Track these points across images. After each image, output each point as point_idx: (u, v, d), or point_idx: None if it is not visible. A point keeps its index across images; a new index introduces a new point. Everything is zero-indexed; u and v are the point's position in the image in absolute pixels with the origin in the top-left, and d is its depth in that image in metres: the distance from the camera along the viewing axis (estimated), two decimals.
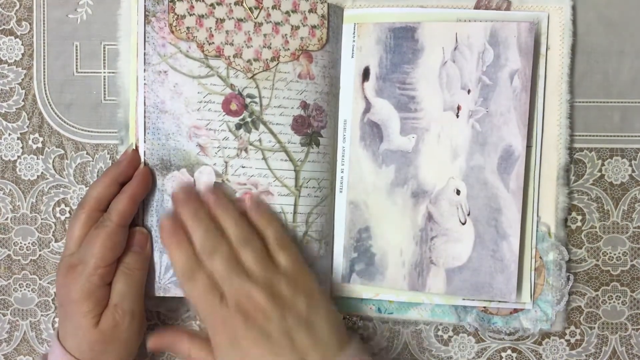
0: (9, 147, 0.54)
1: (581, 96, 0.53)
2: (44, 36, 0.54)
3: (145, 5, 0.50)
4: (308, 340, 0.44)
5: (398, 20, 0.52)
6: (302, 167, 0.52)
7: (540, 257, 0.52)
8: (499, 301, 0.52)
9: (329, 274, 0.53)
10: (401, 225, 0.52)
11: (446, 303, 0.53)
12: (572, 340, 0.54)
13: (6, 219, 0.55)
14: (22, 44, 0.54)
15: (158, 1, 0.50)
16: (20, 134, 0.54)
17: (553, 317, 0.53)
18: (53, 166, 0.54)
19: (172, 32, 0.50)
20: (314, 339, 0.44)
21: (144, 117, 0.50)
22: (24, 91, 0.54)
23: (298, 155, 0.52)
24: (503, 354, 0.55)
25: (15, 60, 0.54)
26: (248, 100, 0.51)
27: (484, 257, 0.51)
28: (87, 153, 0.54)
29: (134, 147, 0.51)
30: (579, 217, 0.54)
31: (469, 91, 0.51)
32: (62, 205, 0.55)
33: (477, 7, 0.52)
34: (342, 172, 0.53)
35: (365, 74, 0.52)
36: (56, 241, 0.55)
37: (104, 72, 0.54)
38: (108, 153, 0.54)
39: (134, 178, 0.49)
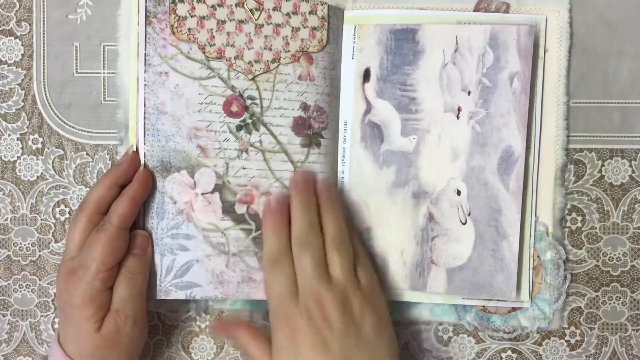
0: (9, 148, 0.55)
1: (581, 97, 0.54)
2: (43, 37, 0.55)
3: (146, 6, 0.50)
4: None
5: (398, 22, 0.53)
6: (302, 168, 0.53)
7: (538, 257, 0.53)
8: (498, 300, 0.53)
9: None
10: (402, 226, 0.53)
11: (446, 302, 0.54)
12: (572, 341, 0.55)
13: (6, 220, 0.56)
14: (21, 45, 0.55)
15: (159, 2, 0.50)
16: (20, 134, 0.55)
17: (551, 315, 0.54)
18: (53, 167, 0.55)
19: (173, 33, 0.51)
20: None
21: (144, 118, 0.51)
22: (23, 92, 0.55)
23: (298, 157, 0.53)
24: (503, 355, 0.55)
25: (15, 61, 0.55)
26: (249, 101, 0.52)
27: (484, 257, 0.52)
28: (87, 154, 0.55)
29: (134, 149, 0.51)
30: (579, 218, 0.55)
31: (469, 93, 0.52)
32: (62, 206, 0.55)
33: (476, 9, 0.53)
34: (342, 172, 0.54)
35: (366, 75, 0.53)
36: (56, 242, 0.56)
37: (104, 73, 0.55)
38: (108, 154, 0.55)
39: (134, 180, 0.50)
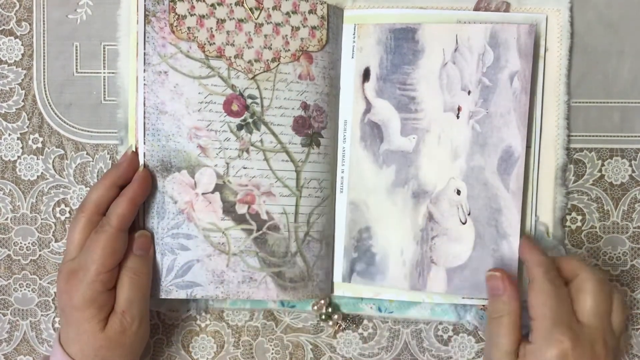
0: (9, 147, 0.56)
1: (581, 96, 0.54)
2: (43, 36, 0.55)
3: (145, 5, 0.50)
4: None
5: (398, 22, 0.53)
6: (303, 167, 0.53)
7: None
8: None
9: (330, 274, 0.55)
10: (402, 225, 0.54)
11: (446, 302, 0.55)
12: None
13: (6, 219, 0.56)
14: (22, 44, 0.55)
15: (158, 1, 0.51)
16: (20, 134, 0.56)
17: None
18: (53, 166, 0.56)
19: (173, 32, 0.51)
20: None
21: (144, 118, 0.51)
22: (24, 91, 0.55)
23: (299, 156, 0.53)
24: None
25: (15, 61, 0.55)
26: (249, 101, 0.52)
27: (484, 257, 0.53)
28: (87, 153, 0.56)
29: (133, 149, 0.51)
30: (579, 217, 0.55)
31: (469, 92, 0.53)
32: (62, 206, 0.56)
33: (476, 8, 0.53)
34: (342, 172, 0.55)
35: (366, 75, 0.54)
36: (56, 241, 0.56)
37: (104, 73, 0.55)
38: (108, 153, 0.55)
39: (134, 181, 0.50)
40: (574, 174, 0.55)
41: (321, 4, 0.53)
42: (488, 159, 0.53)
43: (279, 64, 0.53)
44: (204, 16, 0.52)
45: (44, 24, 0.55)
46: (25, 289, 0.56)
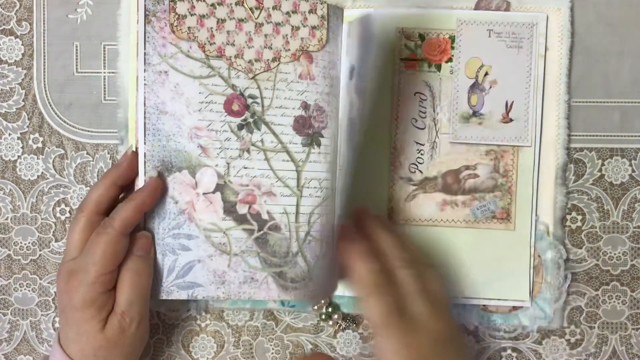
0: (9, 147, 0.56)
1: (581, 96, 0.55)
2: (44, 36, 0.55)
3: (145, 5, 0.50)
4: None
5: (398, 22, 0.54)
6: (303, 167, 0.53)
7: (539, 256, 0.54)
8: (499, 299, 0.55)
9: (330, 274, 0.55)
10: None
11: None
12: (572, 340, 0.56)
13: (6, 219, 0.56)
14: (22, 44, 0.56)
15: (158, 1, 0.51)
16: (21, 134, 0.56)
17: (551, 314, 0.55)
18: (53, 166, 0.56)
19: (173, 32, 0.51)
20: None
21: (144, 118, 0.51)
22: (24, 91, 0.56)
23: (299, 156, 0.53)
24: (503, 354, 0.56)
25: (15, 60, 0.56)
26: (250, 100, 0.53)
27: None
28: (87, 153, 0.56)
29: (134, 149, 0.51)
30: (579, 217, 0.56)
31: None
32: (62, 205, 0.56)
33: (477, 8, 0.54)
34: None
35: (351, 73, 0.54)
36: (56, 241, 0.56)
37: (104, 72, 0.56)
38: (108, 153, 0.56)
39: (145, 188, 0.50)
40: (574, 173, 0.55)
41: (321, 4, 0.53)
42: None
43: (279, 64, 0.53)
44: (204, 16, 0.52)
45: (44, 23, 0.56)
46: (25, 289, 0.57)
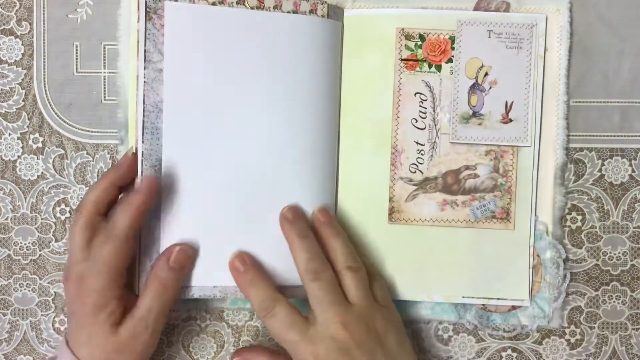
0: (9, 147, 0.56)
1: (581, 96, 0.55)
2: (44, 36, 0.56)
3: (146, 2, 0.50)
4: None
5: (397, 22, 0.54)
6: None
7: (538, 255, 0.55)
8: (498, 299, 0.55)
9: None
10: None
11: (446, 301, 0.55)
12: (572, 340, 0.56)
13: (6, 219, 0.57)
14: (22, 44, 0.56)
15: None
16: (21, 134, 0.56)
17: (550, 313, 0.55)
18: (53, 166, 0.56)
19: None
20: None
21: (143, 116, 0.51)
22: (24, 91, 0.56)
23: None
24: (503, 354, 0.56)
25: (15, 60, 0.56)
26: None
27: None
28: (87, 153, 0.56)
29: (134, 150, 0.51)
30: (579, 217, 0.56)
31: None
32: (62, 205, 0.57)
33: (476, 8, 0.54)
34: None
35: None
36: (56, 241, 0.57)
37: (104, 72, 0.56)
38: (108, 153, 0.56)
39: (141, 189, 0.49)
40: (574, 173, 0.56)
41: (321, 4, 0.53)
42: None
43: None
44: None
45: (44, 23, 0.56)
46: (25, 289, 0.57)
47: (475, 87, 0.54)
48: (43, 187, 0.57)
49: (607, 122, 0.55)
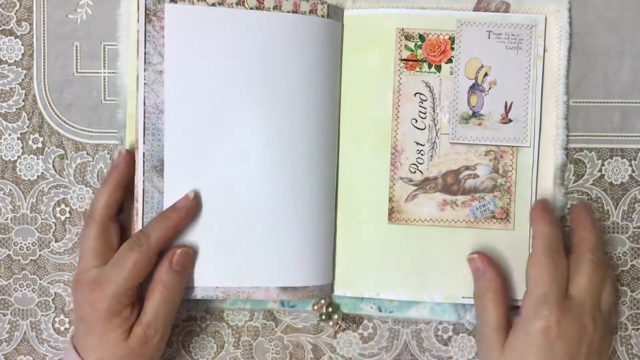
0: (9, 147, 0.57)
1: (581, 96, 0.55)
2: (44, 36, 0.56)
3: (146, 4, 0.51)
4: None
5: (397, 22, 0.55)
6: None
7: None
8: None
9: (330, 272, 0.56)
10: None
11: (446, 301, 0.56)
12: None
13: (6, 219, 0.57)
14: (22, 44, 0.56)
15: (159, 0, 0.51)
16: (20, 134, 0.57)
17: None
18: (53, 166, 0.57)
19: None
20: None
21: (144, 117, 0.51)
22: (24, 91, 0.56)
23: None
24: None
25: (15, 61, 0.56)
26: None
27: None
28: (87, 153, 0.57)
29: (125, 149, 0.53)
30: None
31: None
32: (62, 206, 0.57)
33: (476, 9, 0.54)
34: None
35: None
36: (56, 241, 0.57)
37: (104, 72, 0.56)
38: (108, 153, 0.56)
39: (182, 208, 0.50)
40: (574, 173, 0.56)
41: (321, 4, 0.54)
42: None
43: None
44: None
45: (44, 23, 0.56)
46: (25, 289, 0.58)
47: (475, 88, 0.54)
48: (43, 187, 0.57)
49: (607, 122, 0.56)
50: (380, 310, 0.57)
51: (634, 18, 0.55)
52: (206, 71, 0.52)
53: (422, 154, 0.55)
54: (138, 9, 0.51)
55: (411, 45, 0.55)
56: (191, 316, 0.58)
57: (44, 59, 0.56)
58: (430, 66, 0.55)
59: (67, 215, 0.57)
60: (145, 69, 0.51)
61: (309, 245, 0.54)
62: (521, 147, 0.54)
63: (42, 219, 0.57)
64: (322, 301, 0.56)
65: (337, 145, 0.56)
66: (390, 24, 0.55)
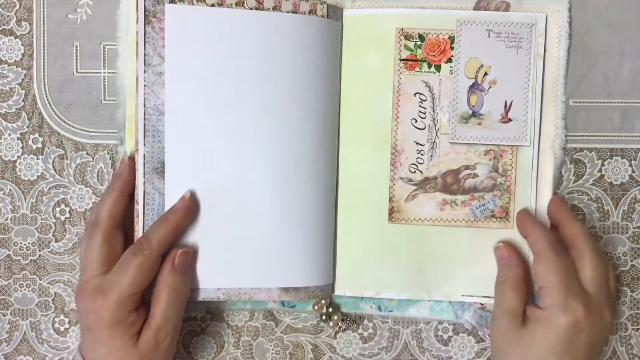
0: (9, 147, 0.57)
1: (581, 96, 0.56)
2: (44, 36, 0.56)
3: (145, 5, 0.51)
4: None
5: (397, 22, 0.55)
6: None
7: None
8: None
9: (331, 272, 0.56)
10: None
11: (445, 300, 0.56)
12: None
13: (6, 219, 0.57)
14: (22, 44, 0.56)
15: (158, 1, 0.51)
16: (20, 134, 0.57)
17: None
18: (53, 166, 0.57)
19: None
20: None
21: (144, 119, 0.51)
22: (24, 91, 0.57)
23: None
24: None
25: (15, 61, 0.56)
26: None
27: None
28: (87, 153, 0.57)
29: (128, 154, 0.53)
30: (579, 217, 0.56)
31: None
32: (62, 206, 0.57)
33: (476, 8, 0.55)
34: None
35: None
36: (56, 241, 0.57)
37: (104, 73, 0.57)
38: (108, 153, 0.57)
39: (179, 209, 0.50)
40: (574, 173, 0.56)
41: (321, 4, 0.54)
42: None
43: None
44: None
45: (44, 23, 0.56)
46: (25, 289, 0.58)
47: (474, 87, 0.55)
48: (43, 188, 0.57)
49: (607, 122, 0.56)
50: (380, 310, 0.57)
51: (634, 18, 0.56)
52: (206, 72, 0.52)
53: (422, 154, 0.55)
54: (137, 10, 0.51)
55: (411, 45, 0.55)
56: (191, 316, 0.58)
57: (44, 59, 0.57)
58: (429, 66, 0.55)
59: (67, 215, 0.57)
60: (145, 71, 0.52)
61: (310, 246, 0.54)
62: (521, 147, 0.55)
63: (42, 219, 0.57)
64: (323, 301, 0.56)
65: (337, 146, 0.56)
66: (389, 24, 0.55)
